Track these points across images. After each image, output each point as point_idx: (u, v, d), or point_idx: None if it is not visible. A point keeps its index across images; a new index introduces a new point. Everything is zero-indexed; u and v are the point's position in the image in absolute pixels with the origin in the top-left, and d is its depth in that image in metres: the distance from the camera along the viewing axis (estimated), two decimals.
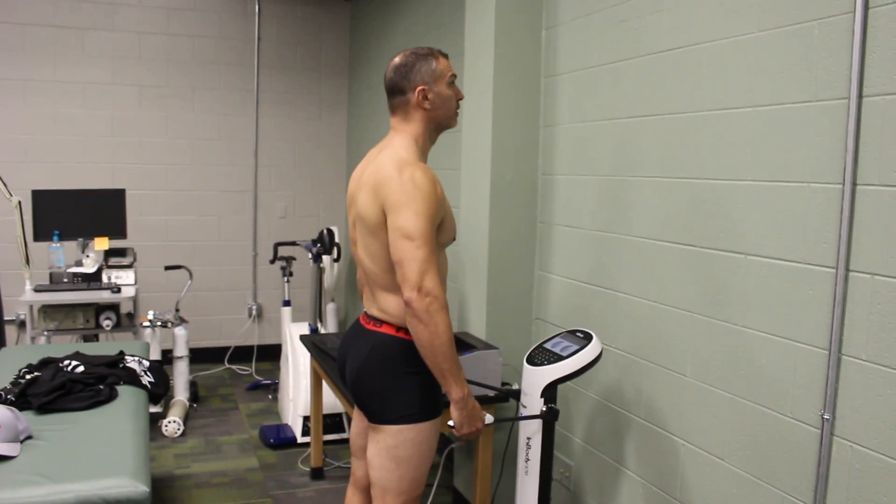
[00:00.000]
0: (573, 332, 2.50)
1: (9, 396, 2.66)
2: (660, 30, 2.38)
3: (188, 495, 3.62)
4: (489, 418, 2.17)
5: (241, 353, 5.91)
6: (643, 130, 2.48)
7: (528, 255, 3.13)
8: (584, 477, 2.83)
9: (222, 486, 3.74)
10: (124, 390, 2.90)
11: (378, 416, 2.15)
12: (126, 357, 3.15)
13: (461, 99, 2.21)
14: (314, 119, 5.95)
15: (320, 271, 4.48)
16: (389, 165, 2.05)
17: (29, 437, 2.40)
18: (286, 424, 4.44)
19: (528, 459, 2.45)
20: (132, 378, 2.99)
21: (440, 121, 2.17)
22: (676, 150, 2.32)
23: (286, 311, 4.99)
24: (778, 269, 1.96)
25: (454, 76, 2.17)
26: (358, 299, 5.25)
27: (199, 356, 5.74)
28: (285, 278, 5.10)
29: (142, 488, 2.13)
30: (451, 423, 2.07)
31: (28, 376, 2.85)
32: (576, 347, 2.40)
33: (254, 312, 5.94)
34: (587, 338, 2.42)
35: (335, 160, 6.06)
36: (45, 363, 3.00)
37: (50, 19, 5.15)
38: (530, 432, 2.44)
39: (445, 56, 2.16)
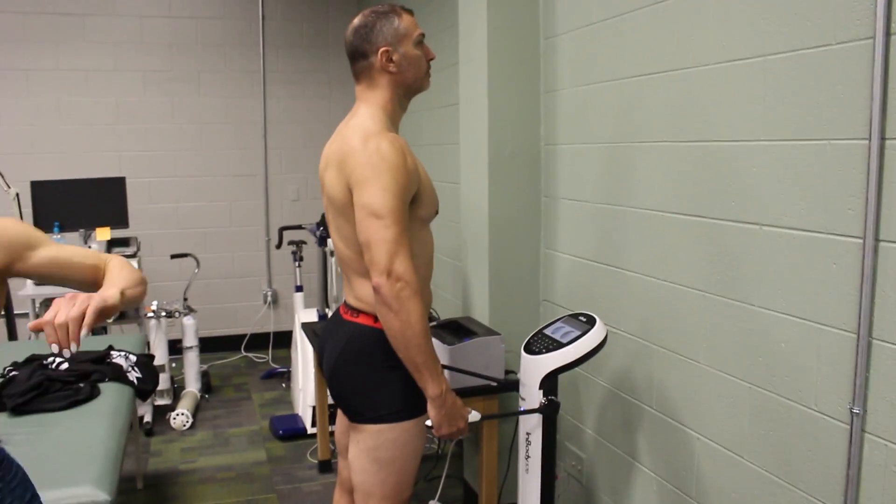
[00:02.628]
0: (576, 316, 2.28)
1: None
2: None
3: (191, 491, 3.49)
4: (474, 415, 1.97)
5: (258, 341, 5.79)
6: (646, 90, 2.23)
7: (532, 232, 2.90)
8: (597, 471, 2.62)
9: (227, 481, 3.61)
10: (108, 387, 2.76)
11: (357, 414, 1.96)
12: (112, 352, 3.00)
13: (432, 59, 1.99)
14: (324, 98, 5.76)
15: (325, 255, 4.31)
16: (354, 138, 1.85)
17: None
18: (297, 415, 4.30)
19: (528, 456, 2.25)
20: (118, 374, 2.85)
21: (409, 84, 1.96)
22: (681, 109, 2.07)
23: (298, 296, 4.84)
24: (797, 240, 1.71)
25: (422, 34, 1.95)
26: None
27: (215, 345, 5.64)
28: (296, 263, 4.94)
29: (103, 496, 1.98)
30: (428, 422, 1.87)
31: (10, 375, 2.72)
32: (577, 333, 2.18)
33: (269, 299, 5.82)
34: (590, 322, 2.20)
35: None
36: (30, 360, 2.87)
37: (50, 7, 5.02)
38: (530, 427, 2.23)
39: (410, 12, 1.94)
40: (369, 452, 1.95)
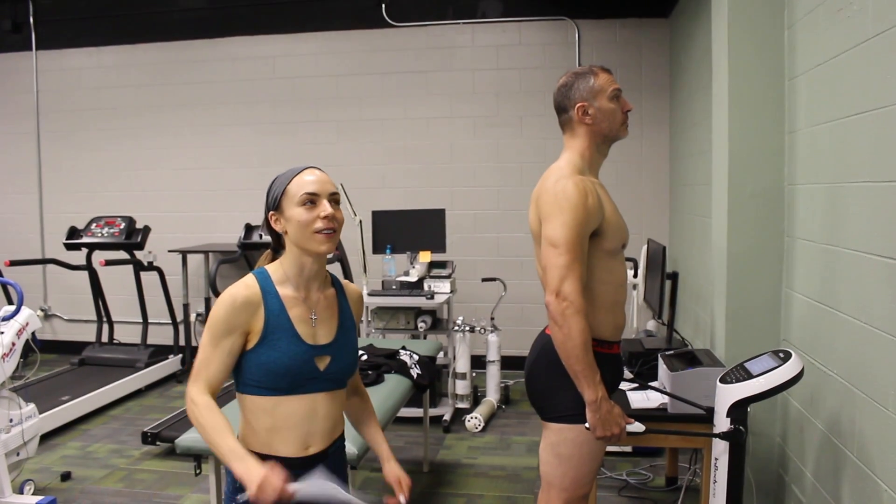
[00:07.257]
0: (777, 352, 2.32)
1: None
2: (865, 12, 2.12)
3: (463, 481, 4.02)
4: (637, 426, 2.15)
5: None
6: (854, 130, 2.21)
7: (773, 271, 2.90)
8: None
9: (497, 478, 4.07)
10: (392, 378, 3.39)
11: (543, 412, 2.29)
12: (402, 351, 3.66)
13: (628, 111, 2.25)
14: (635, 138, 6.01)
15: None
16: (549, 179, 2.19)
17: None
18: None
19: (715, 481, 2.34)
20: (402, 368, 3.48)
21: (605, 133, 2.24)
22: (881, 149, 2.04)
23: None
24: None
25: (617, 90, 2.22)
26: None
27: (521, 363, 6.14)
28: None
29: (352, 449, 2.56)
30: (586, 425, 2.11)
31: None
32: (769, 367, 2.24)
33: None
34: (786, 358, 2.24)
35: (657, 178, 6.03)
36: None
37: (403, 67, 6.10)
38: (717, 453, 2.33)
39: (607, 71, 2.23)
40: (552, 447, 2.26)
